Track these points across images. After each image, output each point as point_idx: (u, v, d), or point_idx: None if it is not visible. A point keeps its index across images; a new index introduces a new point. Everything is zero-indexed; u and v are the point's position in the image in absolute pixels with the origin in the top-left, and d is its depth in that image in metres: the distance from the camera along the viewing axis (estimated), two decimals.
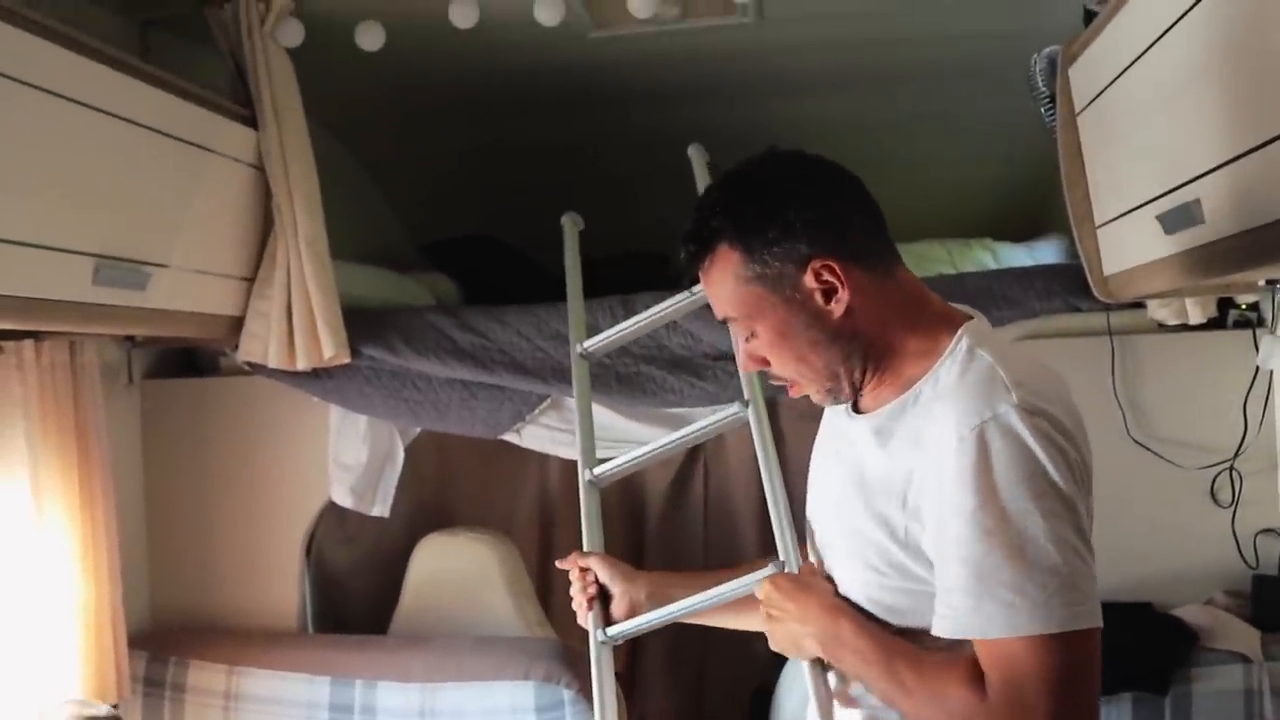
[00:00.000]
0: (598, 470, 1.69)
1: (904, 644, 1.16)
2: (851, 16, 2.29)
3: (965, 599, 1.07)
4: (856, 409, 1.28)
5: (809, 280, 1.18)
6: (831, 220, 1.19)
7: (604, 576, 1.51)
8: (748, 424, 1.61)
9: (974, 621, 1.07)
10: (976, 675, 1.08)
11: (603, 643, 1.48)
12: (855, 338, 1.20)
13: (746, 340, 1.26)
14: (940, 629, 1.11)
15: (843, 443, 1.29)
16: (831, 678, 1.28)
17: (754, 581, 1.36)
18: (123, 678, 2.10)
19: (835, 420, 1.33)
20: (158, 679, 2.27)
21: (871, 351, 1.21)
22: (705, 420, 1.70)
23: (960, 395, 1.12)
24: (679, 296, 1.80)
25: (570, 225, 1.99)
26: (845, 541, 1.24)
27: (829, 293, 1.18)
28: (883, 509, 1.17)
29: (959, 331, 1.19)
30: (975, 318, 1.24)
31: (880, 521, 1.17)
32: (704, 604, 1.46)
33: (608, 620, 1.50)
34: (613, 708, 1.40)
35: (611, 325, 2.16)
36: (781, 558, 1.39)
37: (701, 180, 1.94)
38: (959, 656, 1.11)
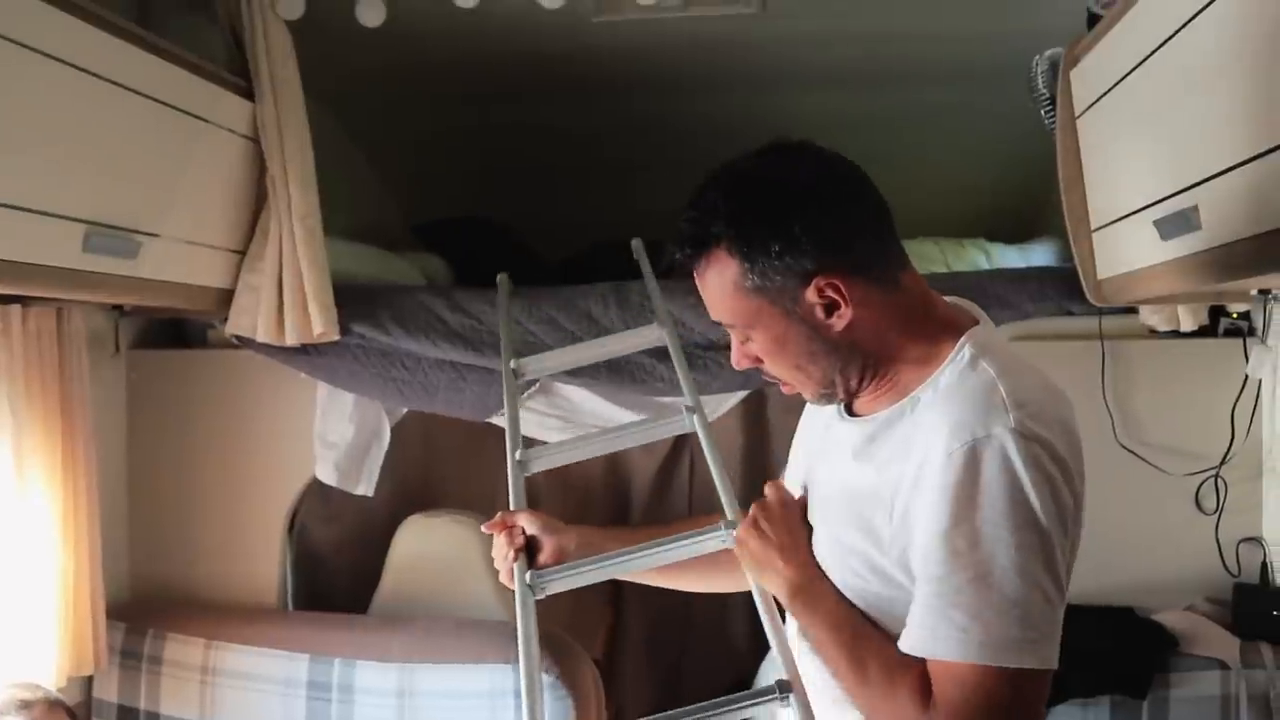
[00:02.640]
0: (520, 454, 1.65)
1: (875, 629, 1.14)
2: (854, 11, 2.29)
3: (925, 616, 1.06)
4: (850, 411, 1.25)
5: (811, 295, 1.13)
6: (838, 233, 1.14)
7: (532, 528, 1.45)
8: (694, 432, 1.61)
9: (929, 641, 1.06)
10: (927, 688, 1.07)
11: (529, 586, 1.39)
12: (854, 348, 1.17)
13: (743, 342, 1.22)
14: (902, 642, 1.09)
15: (834, 446, 1.26)
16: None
17: (710, 541, 1.35)
18: (100, 649, 2.09)
19: (828, 421, 1.29)
20: (135, 651, 2.26)
21: (870, 360, 1.18)
22: (650, 424, 1.72)
23: (955, 407, 1.09)
24: (623, 336, 1.90)
25: (504, 285, 2.09)
26: (830, 544, 1.21)
27: (831, 307, 1.14)
28: (870, 518, 1.14)
29: (962, 339, 1.15)
30: (981, 321, 1.20)
31: (866, 531, 1.15)
32: (644, 558, 1.41)
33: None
34: (536, 659, 1.33)
35: (604, 313, 2.16)
36: (730, 517, 1.36)
37: (646, 268, 2.01)
38: (915, 663, 1.09)
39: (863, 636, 1.14)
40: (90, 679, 2.24)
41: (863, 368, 1.18)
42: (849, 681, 1.14)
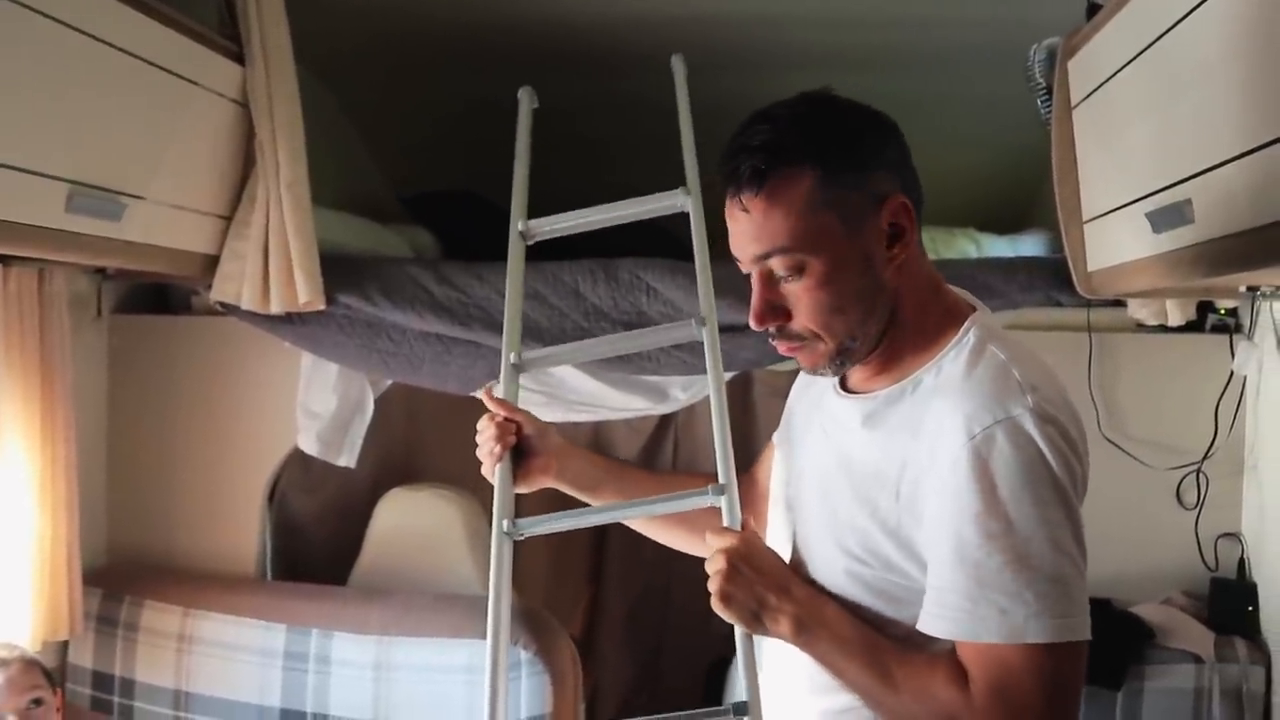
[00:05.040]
0: (515, 357, 1.57)
1: (887, 639, 1.13)
2: None
3: (962, 600, 1.05)
4: (846, 388, 1.25)
5: (882, 218, 1.12)
6: (905, 164, 1.15)
7: (529, 428, 1.39)
8: (700, 342, 1.50)
9: (969, 624, 1.05)
10: (961, 676, 1.07)
11: (506, 533, 1.34)
12: (891, 300, 1.15)
13: (786, 280, 1.14)
14: (932, 628, 1.09)
15: (830, 422, 1.25)
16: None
17: (696, 502, 1.30)
18: (75, 614, 2.08)
19: (821, 398, 1.29)
20: (111, 617, 2.25)
21: (893, 320, 1.16)
22: (656, 331, 1.64)
23: (971, 392, 1.09)
24: (643, 200, 1.65)
25: (526, 100, 1.87)
26: (827, 522, 1.20)
27: (896, 236, 1.13)
28: (873, 496, 1.14)
29: (967, 323, 1.16)
30: (979, 308, 1.21)
31: (869, 508, 1.14)
32: (623, 511, 1.40)
33: (516, 478, 1.38)
34: (507, 604, 1.30)
35: (591, 289, 2.15)
36: (723, 481, 1.31)
37: (684, 95, 1.82)
38: (940, 656, 1.09)
39: (878, 648, 1.12)
40: (65, 644, 2.23)
41: (884, 327, 1.16)
42: (879, 695, 1.12)
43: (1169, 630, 2.10)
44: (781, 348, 1.20)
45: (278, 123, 2.00)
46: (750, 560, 1.16)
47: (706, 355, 1.48)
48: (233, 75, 1.97)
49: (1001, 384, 1.08)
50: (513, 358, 1.54)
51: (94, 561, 2.27)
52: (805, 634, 1.15)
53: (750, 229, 1.13)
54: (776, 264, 1.14)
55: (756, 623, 1.16)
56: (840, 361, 1.18)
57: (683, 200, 1.62)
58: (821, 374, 1.23)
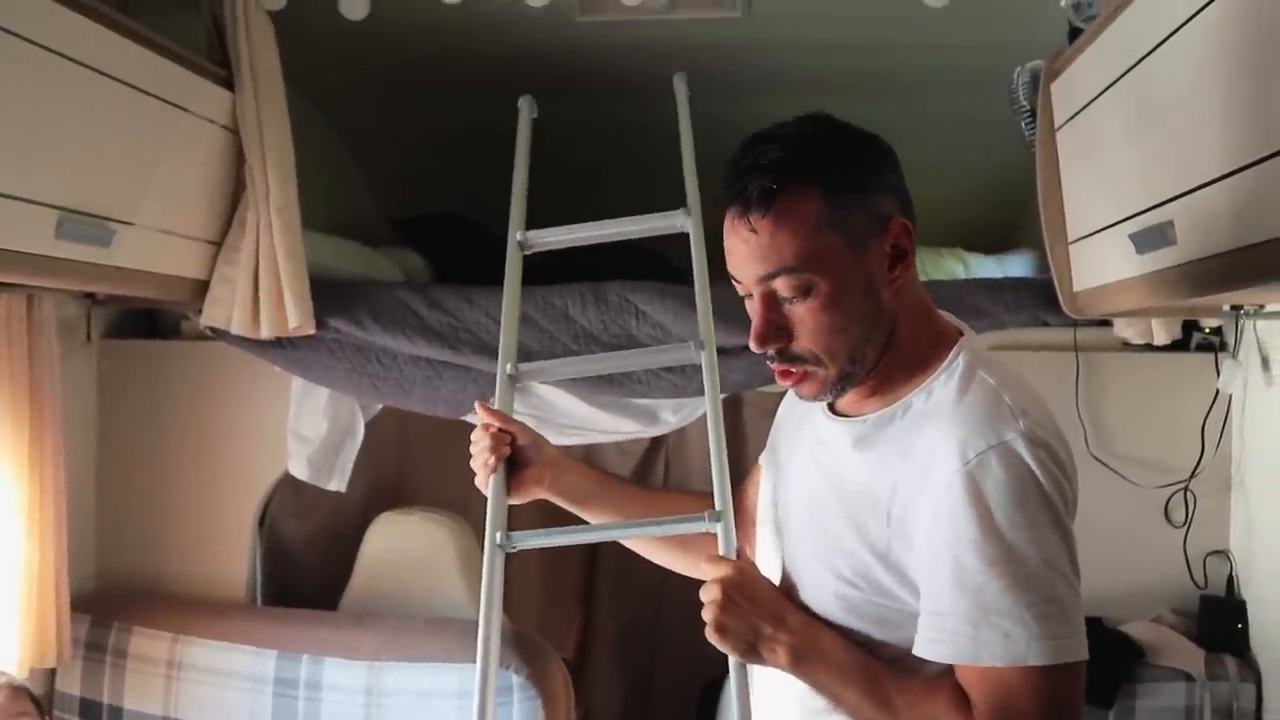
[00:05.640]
0: (512, 368, 1.58)
1: (882, 664, 1.13)
2: (838, 18, 2.29)
3: (963, 625, 1.06)
4: (835, 410, 1.25)
5: (886, 240, 1.13)
6: (903, 187, 1.17)
7: (524, 439, 1.39)
8: (691, 365, 1.53)
9: (970, 648, 1.06)
10: (962, 700, 1.08)
11: (499, 545, 1.34)
12: (890, 322, 1.16)
13: (790, 301, 1.13)
14: (931, 653, 1.09)
15: (819, 445, 1.25)
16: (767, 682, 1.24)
17: (692, 528, 1.32)
18: (63, 641, 2.07)
19: (809, 420, 1.29)
20: (99, 644, 2.23)
21: (889, 343, 1.17)
22: (655, 352, 1.65)
23: (964, 417, 1.10)
24: (643, 219, 1.65)
25: (526, 109, 1.88)
26: (817, 544, 1.20)
27: (897, 258, 1.14)
28: (863, 519, 1.14)
29: (956, 347, 1.17)
30: (966, 332, 1.22)
31: (859, 531, 1.15)
32: (618, 532, 1.41)
33: (509, 488, 1.37)
34: (498, 617, 1.30)
35: (581, 312, 2.16)
36: (719, 507, 1.32)
37: (686, 114, 1.83)
38: (941, 680, 1.10)
39: (875, 675, 1.13)
40: (53, 671, 2.21)
41: (881, 350, 1.16)
42: None
43: (1159, 649, 2.10)
44: (780, 374, 1.19)
45: (268, 147, 2.00)
46: (745, 590, 1.16)
47: (705, 380, 1.49)
48: (223, 101, 1.98)
49: (993, 409, 1.09)
50: (509, 369, 1.54)
51: (82, 587, 2.26)
52: (802, 664, 1.15)
53: (756, 250, 1.13)
54: (781, 285, 1.13)
55: (752, 653, 1.16)
56: (841, 387, 1.18)
57: (683, 221, 1.63)
58: (821, 400, 1.22)
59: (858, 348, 1.15)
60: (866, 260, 1.13)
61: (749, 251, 1.13)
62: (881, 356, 1.17)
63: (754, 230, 1.12)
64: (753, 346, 1.16)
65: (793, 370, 1.17)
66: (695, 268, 1.60)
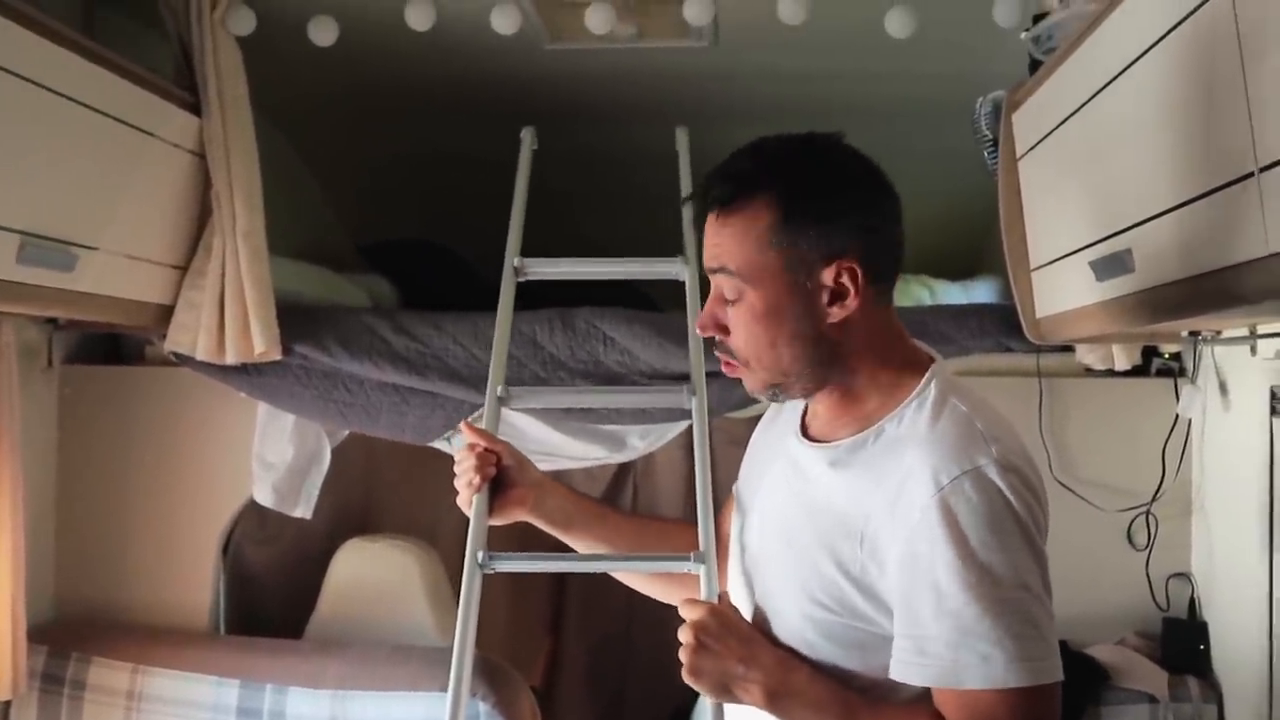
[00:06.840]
0: (502, 390, 1.61)
1: (857, 694, 1.14)
2: (804, 49, 2.31)
3: (942, 649, 1.07)
4: (808, 436, 1.26)
5: (827, 276, 1.14)
6: (873, 230, 1.17)
7: (508, 460, 1.38)
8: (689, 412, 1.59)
9: (951, 672, 1.07)
10: None
11: (480, 565, 1.34)
12: (834, 350, 1.18)
13: (730, 301, 1.19)
14: (909, 676, 1.10)
15: (792, 470, 1.26)
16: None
17: (675, 567, 1.35)
18: (19, 672, 2.03)
19: (783, 445, 1.30)
20: (57, 675, 2.19)
21: (837, 369, 1.19)
22: (648, 393, 1.68)
23: (936, 443, 1.11)
24: (646, 261, 1.76)
25: (528, 140, 1.99)
26: (790, 568, 1.21)
27: (837, 296, 1.15)
28: (836, 543, 1.15)
29: (928, 374, 1.19)
30: (937, 359, 1.23)
31: (832, 555, 1.15)
32: (601, 564, 1.42)
33: (492, 509, 1.37)
34: (471, 639, 1.29)
35: (549, 338, 2.16)
36: (703, 549, 1.35)
37: (686, 163, 1.89)
38: (917, 705, 1.11)
39: (853, 707, 1.14)
40: (8, 705, 2.16)
41: (827, 373, 1.19)
42: None
43: (1123, 671, 2.12)
44: (723, 362, 1.24)
45: (234, 172, 2.00)
46: (717, 633, 1.18)
47: (695, 426, 1.56)
48: (189, 126, 1.97)
49: (966, 436, 1.11)
50: (500, 391, 1.55)
51: (39, 618, 2.22)
52: (777, 702, 1.15)
53: (710, 242, 1.20)
54: (723, 282, 1.19)
55: (727, 694, 1.17)
56: (774, 393, 1.23)
57: (679, 269, 1.70)
58: (761, 398, 1.27)
59: (789, 366, 1.19)
60: (803, 289, 1.15)
61: (707, 241, 1.21)
62: (829, 380, 1.20)
63: (712, 224, 1.19)
64: (695, 329, 1.23)
65: (730, 362, 1.23)
66: (690, 315, 1.66)
